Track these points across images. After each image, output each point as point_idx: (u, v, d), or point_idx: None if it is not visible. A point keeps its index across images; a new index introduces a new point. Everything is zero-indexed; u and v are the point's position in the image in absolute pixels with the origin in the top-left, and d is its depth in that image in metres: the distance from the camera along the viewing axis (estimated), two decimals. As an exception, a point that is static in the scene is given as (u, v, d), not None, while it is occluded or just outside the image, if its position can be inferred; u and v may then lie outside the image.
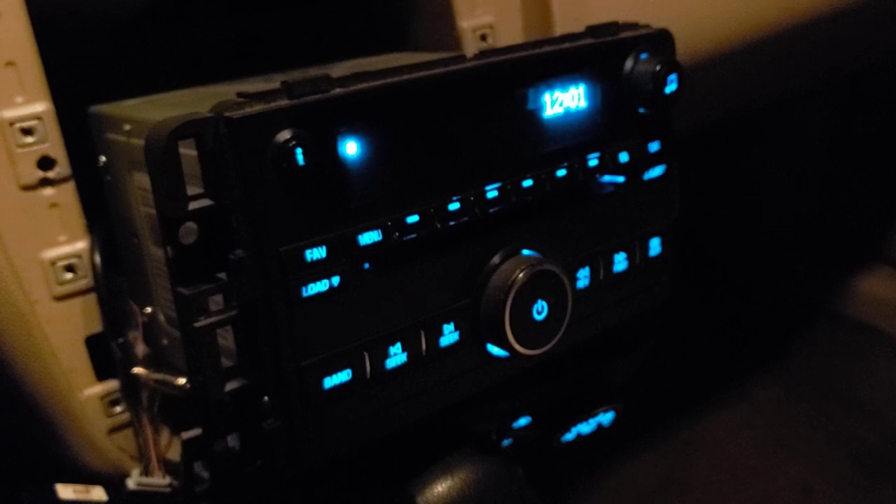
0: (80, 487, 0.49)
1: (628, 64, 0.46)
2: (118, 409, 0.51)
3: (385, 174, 0.38)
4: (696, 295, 1.39)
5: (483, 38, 0.59)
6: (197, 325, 0.36)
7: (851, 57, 0.95)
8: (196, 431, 0.43)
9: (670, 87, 0.46)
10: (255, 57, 0.60)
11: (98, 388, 0.51)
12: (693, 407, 1.23)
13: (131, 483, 0.50)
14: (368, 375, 0.39)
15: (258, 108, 0.35)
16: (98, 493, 0.49)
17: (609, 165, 0.46)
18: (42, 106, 0.47)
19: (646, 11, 0.59)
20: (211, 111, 0.34)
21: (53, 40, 0.49)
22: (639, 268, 0.49)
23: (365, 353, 0.38)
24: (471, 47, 0.59)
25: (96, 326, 0.50)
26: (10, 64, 0.46)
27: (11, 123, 0.46)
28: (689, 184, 0.56)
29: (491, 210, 0.41)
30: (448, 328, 0.41)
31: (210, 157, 0.35)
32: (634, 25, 0.48)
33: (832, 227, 1.45)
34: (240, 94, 0.35)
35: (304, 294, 0.36)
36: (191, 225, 0.36)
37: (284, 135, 0.35)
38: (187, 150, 0.35)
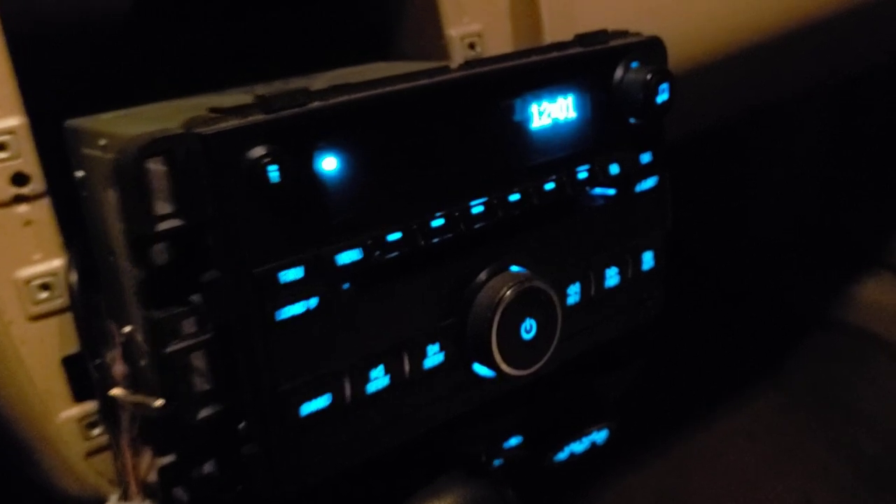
0: (56, 513, 0.47)
1: (618, 73, 0.45)
2: (96, 431, 0.50)
3: (365, 190, 0.37)
4: (691, 303, 1.38)
5: (471, 46, 0.58)
6: (168, 350, 0.34)
7: (852, 59, 0.94)
8: (172, 457, 0.42)
9: (662, 97, 0.45)
10: (237, 67, 0.59)
11: (75, 411, 0.49)
12: (690, 417, 1.21)
13: (110, 507, 0.48)
14: (349, 400, 0.37)
15: (231, 123, 0.33)
16: (74, 519, 0.47)
17: (599, 178, 0.45)
18: (15, 120, 0.45)
19: (637, 19, 0.58)
20: (182, 127, 0.33)
21: (28, 52, 0.48)
22: (631, 282, 0.48)
23: (345, 376, 0.37)
24: (458, 56, 0.58)
25: (73, 347, 0.49)
26: (-21, 78, 0.45)
27: (-18, 139, 0.45)
28: (682, 188, 0.55)
29: (476, 226, 0.40)
30: (433, 349, 0.40)
31: (181, 174, 0.33)
32: (624, 33, 0.47)
33: (831, 232, 1.44)
34: (212, 109, 0.34)
35: (280, 317, 0.35)
36: (162, 245, 0.34)
37: (258, 151, 0.33)
38: (158, 167, 0.34)
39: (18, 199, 0.46)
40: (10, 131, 0.45)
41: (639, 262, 0.48)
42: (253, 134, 0.33)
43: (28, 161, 0.46)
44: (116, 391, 0.48)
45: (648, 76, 0.44)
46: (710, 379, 1.29)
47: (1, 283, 0.46)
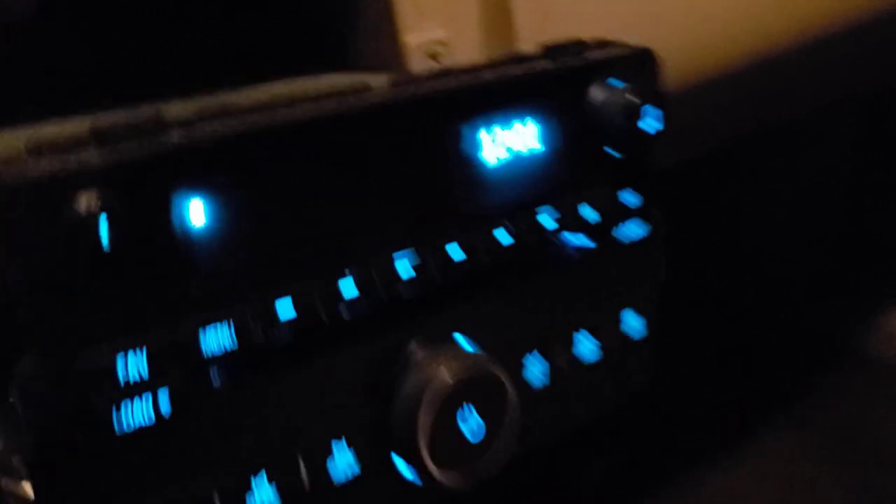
0: None
1: (595, 94, 0.36)
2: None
3: (244, 249, 0.28)
4: (695, 328, 1.27)
5: (434, 56, 0.49)
6: (-27, 461, 0.26)
7: (880, 73, 0.84)
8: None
9: (649, 124, 0.36)
10: (171, 75, 0.50)
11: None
12: (698, 459, 1.11)
13: None
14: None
15: (49, 166, 0.24)
16: None
17: (569, 225, 0.36)
18: None
19: (630, 26, 0.49)
20: (-18, 169, 0.24)
21: None
22: (613, 354, 0.39)
23: (214, 497, 0.28)
24: (418, 66, 0.49)
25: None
26: None
27: None
28: (687, 202, 0.46)
29: (402, 292, 0.31)
30: (341, 453, 0.31)
31: (-22, 233, 0.25)
32: (606, 44, 0.38)
33: (856, 253, 1.34)
34: (30, 147, 0.25)
35: (116, 422, 0.26)
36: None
37: (87, 202, 0.25)
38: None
39: None
40: None
41: (622, 327, 0.39)
42: (81, 179, 0.25)
43: None
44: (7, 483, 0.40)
45: (632, 98, 0.35)
46: (719, 414, 1.19)
47: None
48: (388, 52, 0.49)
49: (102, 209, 0.24)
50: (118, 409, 0.26)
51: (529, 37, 0.48)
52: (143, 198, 0.26)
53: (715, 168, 1.25)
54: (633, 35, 0.42)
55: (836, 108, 1.19)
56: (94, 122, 0.26)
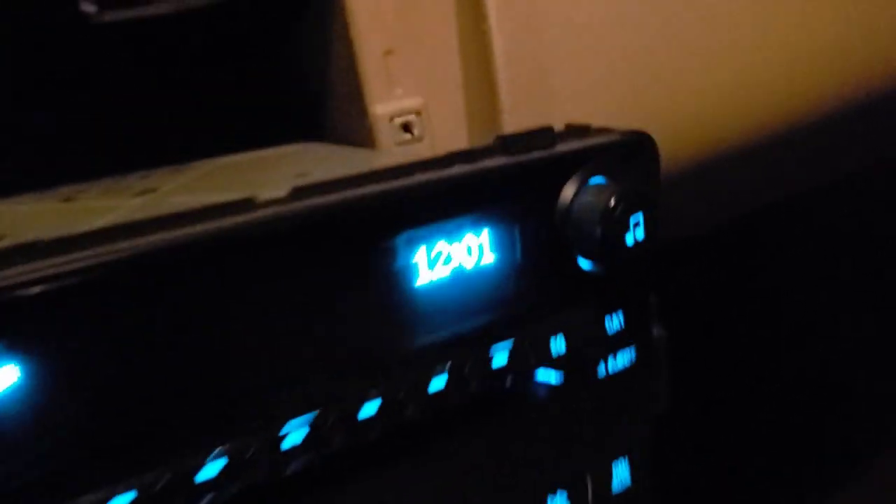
0: None
1: (567, 193, 0.29)
2: None
3: (74, 420, 0.21)
4: (744, 383, 1.16)
5: (406, 127, 0.42)
6: None
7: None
8: None
9: (634, 233, 0.28)
10: (143, 156, 0.45)
11: None
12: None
13: None
14: None
15: None
16: None
17: (530, 360, 0.28)
18: None
19: (629, 96, 0.42)
20: None
21: None
22: (593, 509, 0.31)
23: None
24: (388, 139, 0.42)
25: None
26: None
27: None
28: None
29: (290, 467, 0.24)
30: None
31: None
32: (586, 129, 0.31)
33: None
34: None
35: None
36: None
37: None
38: None
39: None
40: None
41: (606, 480, 0.31)
42: None
43: None
44: None
45: (612, 202, 0.28)
46: (774, 477, 1.07)
47: None
48: (357, 124, 0.43)
49: None
50: None
51: (516, 104, 0.42)
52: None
53: (742, 238, 1.14)
54: (628, 106, 0.35)
55: (869, 172, 1.09)
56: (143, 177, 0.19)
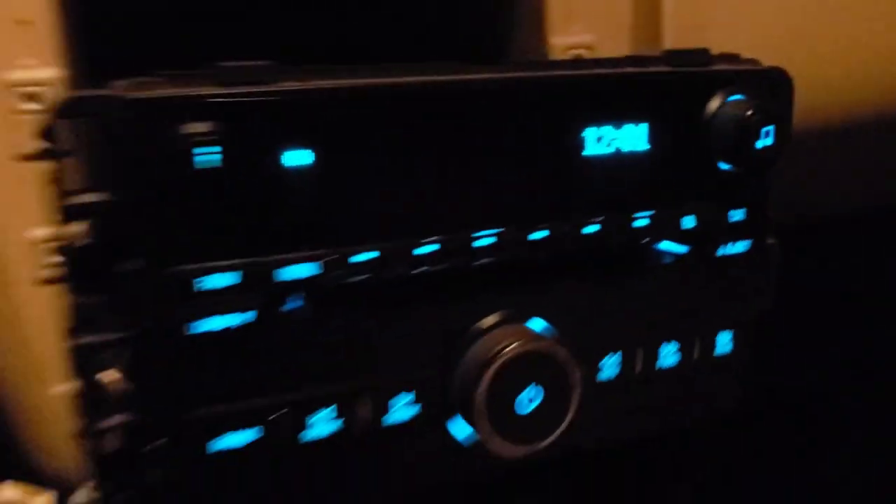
0: (30, 489, 0.44)
1: (712, 105, 0.36)
2: (89, 413, 0.46)
3: (338, 196, 0.30)
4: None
5: (578, 58, 0.50)
6: (78, 341, 0.30)
7: None
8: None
9: (764, 141, 0.35)
10: (320, 53, 0.54)
11: (69, 387, 0.46)
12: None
13: (78, 497, 0.44)
14: (280, 442, 0.31)
15: (171, 90, 0.28)
16: (41, 500, 0.44)
17: (665, 230, 0.36)
18: (52, 72, 0.43)
19: (782, 44, 0.48)
20: (113, 89, 0.28)
21: (85, 11, 0.45)
22: (697, 366, 0.38)
23: (279, 413, 0.31)
24: (561, 68, 0.50)
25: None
26: (22, 22, 0.42)
27: (13, 86, 0.42)
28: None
29: (479, 261, 0.32)
30: (405, 399, 0.33)
31: (105, 143, 0.28)
32: (735, 58, 0.38)
33: None
34: (160, 73, 0.29)
35: (200, 328, 0.29)
36: (83, 222, 0.30)
37: (199, 127, 0.28)
38: (83, 131, 0.29)
39: (45, 155, 0.43)
40: (44, 83, 0.43)
41: (711, 342, 0.39)
42: (193, 106, 0.28)
43: (56, 116, 0.43)
44: (105, 374, 0.45)
45: (748, 112, 0.35)
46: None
47: (10, 242, 0.44)
48: (535, 51, 0.51)
49: (211, 134, 0.28)
50: (202, 315, 0.29)
51: (678, 45, 0.49)
52: (251, 132, 0.28)
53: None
54: (782, 55, 0.42)
55: None
56: (218, 64, 0.29)
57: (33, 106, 0.43)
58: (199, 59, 0.49)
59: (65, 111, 0.28)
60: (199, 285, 0.28)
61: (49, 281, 0.45)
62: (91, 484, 0.45)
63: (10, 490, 0.44)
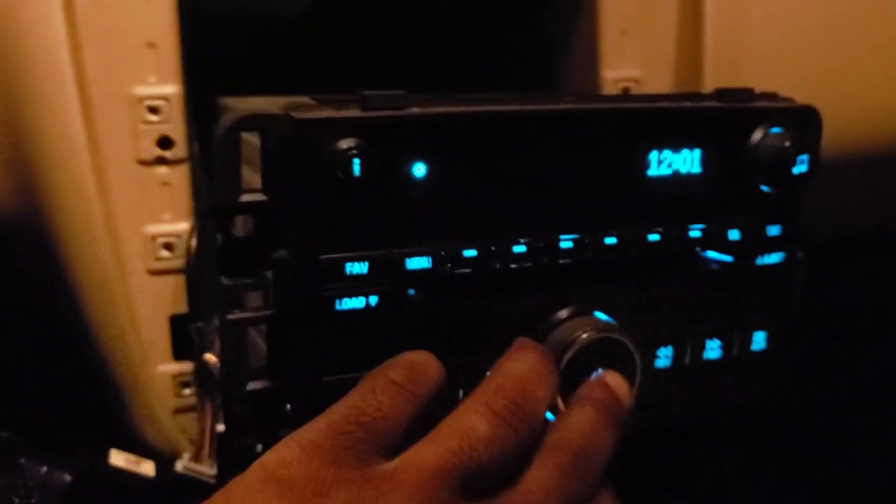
0: (132, 458, 0.50)
1: (756, 136, 0.42)
2: (187, 391, 0.52)
3: (448, 202, 0.37)
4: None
5: (625, 90, 0.57)
6: (230, 317, 0.35)
7: None
8: (223, 426, 0.43)
9: (799, 168, 0.42)
10: (397, 81, 0.61)
11: (172, 367, 0.52)
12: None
13: (179, 465, 0.50)
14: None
15: (326, 112, 0.34)
16: (147, 467, 0.49)
17: (714, 241, 0.42)
18: (172, 88, 0.49)
19: (812, 86, 0.54)
20: (281, 109, 0.34)
21: (201, 31, 0.52)
22: (735, 360, 0.45)
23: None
24: (611, 99, 0.57)
25: (182, 307, 0.51)
26: (151, 45, 0.49)
27: (141, 100, 0.49)
28: None
29: (561, 261, 0.39)
30: (493, 377, 0.39)
31: (270, 153, 0.35)
32: (773, 96, 0.44)
33: None
34: (314, 98, 0.35)
35: (339, 307, 0.35)
36: (246, 218, 0.36)
37: (346, 143, 0.34)
38: (252, 142, 0.35)
39: (160, 161, 0.50)
40: (165, 97, 0.49)
41: (748, 340, 0.45)
42: (345, 126, 0.34)
43: (176, 127, 0.49)
44: (209, 356, 0.50)
45: (787, 144, 0.41)
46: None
47: (130, 235, 0.50)
48: (587, 83, 0.58)
49: (354, 149, 0.34)
50: (340, 296, 0.35)
51: (717, 83, 0.55)
52: (385, 149, 0.35)
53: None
54: (811, 93, 0.48)
55: None
56: (363, 92, 0.35)
57: (155, 118, 0.49)
58: (285, 81, 0.55)
59: (239, 127, 0.34)
60: (346, 270, 0.34)
61: (161, 272, 0.51)
62: (189, 454, 0.52)
63: (118, 457, 0.50)
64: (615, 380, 0.38)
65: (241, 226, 0.36)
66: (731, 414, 0.47)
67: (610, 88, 0.56)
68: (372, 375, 0.33)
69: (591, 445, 0.34)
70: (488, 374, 0.35)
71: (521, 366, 0.35)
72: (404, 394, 0.32)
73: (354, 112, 0.34)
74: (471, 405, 0.33)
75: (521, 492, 0.32)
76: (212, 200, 0.36)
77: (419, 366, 0.33)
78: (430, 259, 0.36)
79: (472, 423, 0.32)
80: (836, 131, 0.47)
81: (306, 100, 0.35)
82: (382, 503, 0.30)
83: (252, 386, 0.36)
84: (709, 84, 0.55)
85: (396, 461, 0.31)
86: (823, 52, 0.55)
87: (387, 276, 0.36)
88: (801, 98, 0.45)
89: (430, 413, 0.33)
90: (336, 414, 0.32)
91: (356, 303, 0.35)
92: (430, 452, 0.31)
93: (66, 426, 0.55)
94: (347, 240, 0.35)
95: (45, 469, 0.47)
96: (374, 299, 0.36)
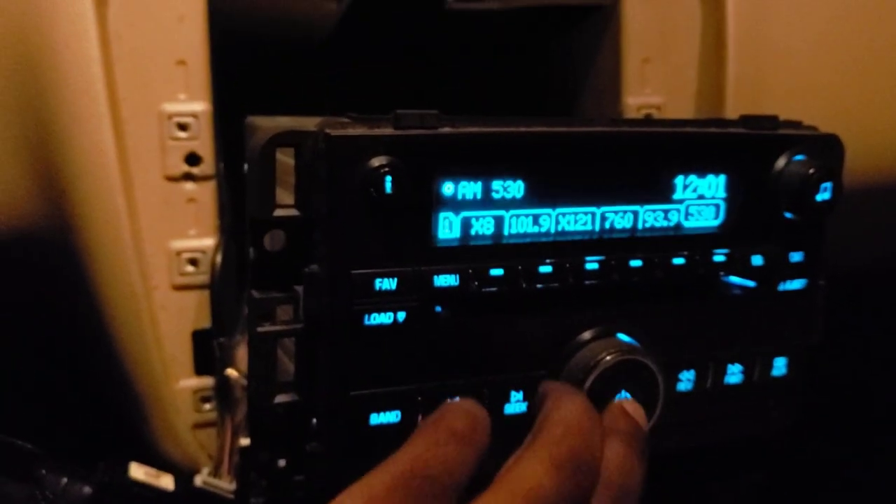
0: (151, 471, 0.50)
1: (780, 163, 0.43)
2: (208, 406, 0.53)
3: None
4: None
5: (647, 117, 0.57)
6: (259, 330, 0.36)
7: None
8: (249, 440, 0.43)
9: (823, 195, 0.42)
10: (421, 105, 0.62)
11: (193, 382, 0.52)
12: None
13: (198, 480, 0.50)
14: (413, 426, 0.37)
15: (359, 130, 0.35)
16: (166, 481, 0.50)
17: (737, 266, 0.42)
18: (201, 105, 0.50)
19: (833, 117, 0.55)
20: (316, 126, 0.35)
21: (230, 51, 0.52)
22: (756, 385, 0.45)
23: (419, 398, 0.37)
24: (633, 126, 0.57)
25: (205, 322, 0.52)
26: (181, 63, 0.49)
27: (170, 117, 0.49)
28: None
29: (587, 282, 0.39)
30: (516, 396, 0.39)
31: (305, 169, 0.35)
32: (798, 124, 0.44)
33: None
34: (349, 116, 0.36)
35: (367, 322, 0.35)
36: (279, 232, 0.36)
37: (378, 161, 0.34)
38: (286, 159, 0.36)
39: (187, 177, 0.50)
40: (194, 114, 0.50)
41: (769, 366, 0.45)
42: (377, 144, 0.34)
43: (204, 144, 0.50)
44: (231, 371, 0.51)
45: (811, 171, 0.42)
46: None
47: (155, 250, 0.50)
48: (609, 110, 0.58)
49: (387, 167, 0.34)
50: (369, 312, 0.35)
51: (738, 110, 0.56)
52: (416, 166, 0.35)
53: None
54: (833, 126, 0.48)
55: None
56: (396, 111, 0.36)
57: (183, 134, 0.50)
58: (311, 102, 0.56)
59: (276, 142, 0.34)
60: (375, 286, 0.35)
61: (185, 287, 0.52)
62: (208, 469, 0.52)
63: (138, 470, 0.50)
64: (633, 407, 0.38)
65: (273, 240, 0.37)
66: (751, 440, 0.46)
67: (632, 115, 0.57)
68: (431, 425, 0.32)
69: (629, 482, 0.34)
70: (540, 420, 0.34)
71: (575, 413, 0.34)
72: (468, 445, 0.32)
73: (387, 130, 0.35)
74: (533, 457, 0.32)
75: None
76: (246, 214, 0.36)
77: (478, 415, 0.33)
78: (458, 277, 0.36)
79: (538, 480, 0.31)
80: (857, 162, 0.47)
81: (341, 119, 0.36)
82: None
83: (279, 399, 0.37)
84: (730, 112, 0.55)
85: None
86: (846, 83, 0.56)
87: (415, 293, 0.36)
88: (822, 128, 0.45)
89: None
90: (400, 465, 0.31)
91: (384, 318, 0.36)
92: None
93: (87, 439, 0.55)
94: (378, 255, 0.35)
95: (65, 481, 0.47)
96: (401, 315, 0.36)
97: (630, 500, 0.33)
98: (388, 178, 0.34)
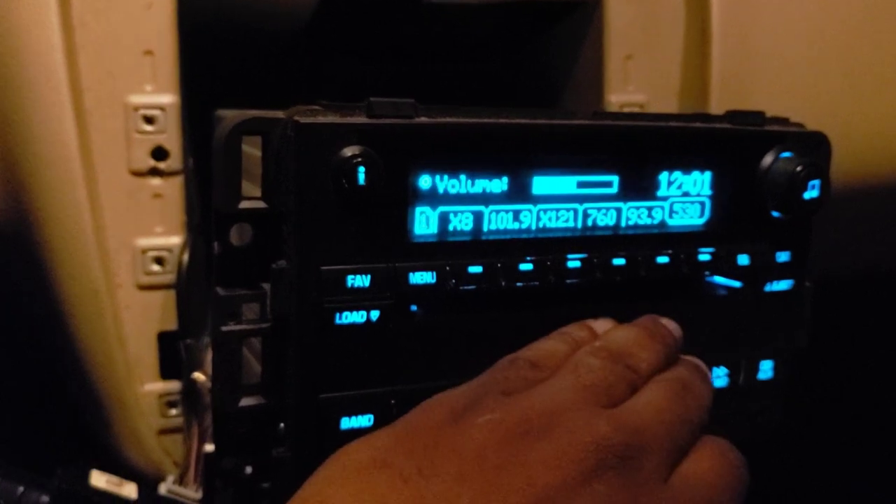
0: (114, 479, 0.48)
1: (767, 160, 0.41)
2: (174, 411, 0.50)
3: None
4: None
5: (630, 116, 0.56)
6: (224, 329, 0.34)
7: None
8: (213, 446, 0.41)
9: (810, 193, 0.41)
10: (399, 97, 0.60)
11: (159, 386, 0.50)
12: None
13: (163, 488, 0.48)
14: (387, 428, 0.35)
15: (331, 118, 0.33)
16: (129, 489, 0.47)
17: (723, 265, 0.41)
18: (168, 98, 0.48)
19: (818, 115, 0.54)
20: (285, 113, 0.33)
21: (200, 44, 0.51)
22: (741, 390, 0.43)
23: (392, 401, 0.35)
24: (615, 123, 0.56)
25: (172, 324, 0.50)
26: (148, 52, 0.47)
27: (136, 109, 0.47)
28: None
29: (569, 281, 0.37)
30: (496, 398, 0.37)
31: (272, 159, 0.33)
32: (785, 121, 0.43)
33: None
34: (320, 103, 0.34)
35: (339, 321, 0.34)
36: (245, 226, 0.34)
37: (351, 150, 0.33)
38: (252, 149, 0.34)
39: (154, 172, 0.48)
40: (161, 107, 0.48)
41: (755, 369, 0.43)
42: (350, 133, 0.33)
43: (171, 138, 0.48)
44: (198, 375, 0.49)
45: (798, 168, 0.40)
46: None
47: (119, 247, 0.48)
48: (592, 107, 0.57)
49: (359, 157, 0.32)
50: (340, 310, 0.33)
51: (723, 108, 0.54)
52: (390, 157, 0.33)
53: None
54: (817, 123, 0.47)
55: None
56: (370, 99, 0.34)
57: (150, 127, 0.48)
58: (284, 96, 0.54)
59: (241, 129, 0.33)
60: (347, 283, 0.33)
61: (150, 287, 0.50)
62: (173, 477, 0.49)
63: (99, 478, 0.48)
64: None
65: (238, 235, 0.35)
66: (736, 444, 0.45)
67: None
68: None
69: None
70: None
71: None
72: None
73: (361, 119, 0.33)
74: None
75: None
76: (211, 207, 0.34)
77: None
78: (435, 274, 0.35)
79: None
80: (842, 161, 0.46)
81: (312, 106, 0.34)
82: None
83: (245, 402, 0.35)
84: (715, 110, 0.54)
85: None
86: (831, 81, 0.55)
87: (389, 291, 0.34)
88: (806, 126, 0.44)
89: None
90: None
91: (356, 317, 0.34)
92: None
93: (44, 444, 0.53)
94: (351, 251, 0.34)
95: (21, 489, 0.45)
96: (375, 314, 0.34)
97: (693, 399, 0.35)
98: (361, 169, 0.32)
